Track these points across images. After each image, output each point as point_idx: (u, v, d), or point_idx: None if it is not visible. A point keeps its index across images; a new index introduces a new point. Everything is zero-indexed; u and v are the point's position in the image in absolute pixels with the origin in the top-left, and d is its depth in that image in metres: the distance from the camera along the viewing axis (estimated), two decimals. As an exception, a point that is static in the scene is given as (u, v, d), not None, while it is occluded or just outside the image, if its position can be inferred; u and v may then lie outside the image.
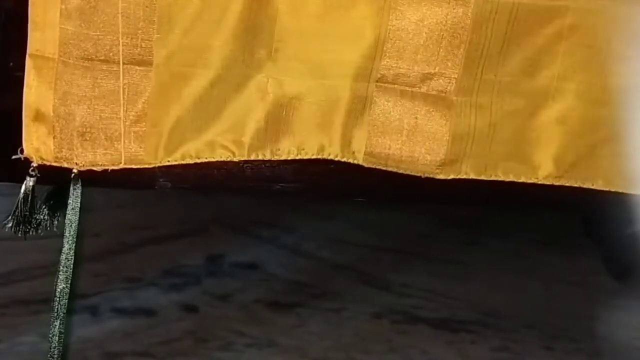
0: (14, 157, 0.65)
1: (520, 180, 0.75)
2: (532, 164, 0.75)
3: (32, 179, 0.64)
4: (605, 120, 0.77)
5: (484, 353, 1.56)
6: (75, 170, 0.63)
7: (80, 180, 0.73)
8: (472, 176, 0.74)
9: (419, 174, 0.74)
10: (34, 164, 0.64)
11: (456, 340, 1.60)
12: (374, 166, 0.74)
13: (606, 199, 0.84)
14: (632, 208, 0.85)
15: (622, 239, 1.72)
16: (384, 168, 0.74)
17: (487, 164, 0.75)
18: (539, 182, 0.76)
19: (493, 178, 0.75)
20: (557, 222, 2.20)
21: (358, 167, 0.77)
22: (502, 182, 0.78)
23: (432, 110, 0.72)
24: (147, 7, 0.64)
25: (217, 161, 0.69)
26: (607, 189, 0.78)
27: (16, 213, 0.66)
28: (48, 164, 0.64)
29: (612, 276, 1.91)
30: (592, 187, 0.78)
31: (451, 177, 0.74)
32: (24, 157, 0.65)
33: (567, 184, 0.77)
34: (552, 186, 0.79)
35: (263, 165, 0.76)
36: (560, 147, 0.76)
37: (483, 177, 0.75)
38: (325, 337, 1.57)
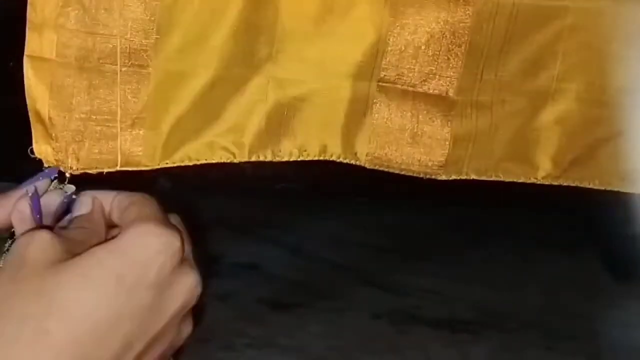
0: (32, 156, 0.64)
1: (520, 181, 0.75)
2: (531, 164, 0.75)
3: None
4: (604, 121, 0.77)
5: (484, 353, 1.56)
6: (67, 175, 0.63)
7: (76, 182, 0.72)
8: (473, 177, 0.74)
9: (420, 175, 0.74)
10: (45, 166, 0.63)
11: (456, 340, 1.60)
12: (376, 167, 0.73)
13: (606, 199, 0.84)
14: (633, 208, 0.85)
15: (622, 239, 1.72)
16: (386, 169, 0.73)
17: (488, 165, 0.74)
18: (538, 183, 0.76)
19: (494, 179, 0.75)
20: (557, 222, 2.20)
21: (359, 168, 0.77)
22: (503, 182, 0.78)
23: (434, 111, 0.72)
24: (146, 7, 0.64)
25: (218, 162, 0.69)
26: (604, 188, 0.78)
27: None
28: (50, 165, 0.64)
29: (612, 276, 1.91)
30: (590, 187, 0.78)
31: (452, 177, 0.74)
32: (37, 158, 0.65)
33: (565, 184, 0.77)
34: (552, 186, 0.79)
35: (263, 166, 0.76)
36: (558, 147, 0.76)
37: (484, 178, 0.74)
38: (325, 337, 1.57)
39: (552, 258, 2.06)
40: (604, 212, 1.57)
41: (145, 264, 0.48)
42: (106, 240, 0.54)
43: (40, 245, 0.48)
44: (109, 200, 0.60)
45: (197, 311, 0.57)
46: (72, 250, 0.49)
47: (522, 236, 2.19)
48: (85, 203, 0.59)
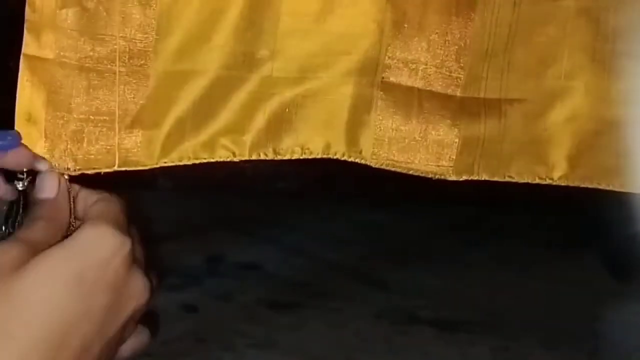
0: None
1: (535, 182, 0.73)
2: (546, 164, 0.73)
3: (20, 183, 0.60)
4: (615, 119, 0.75)
5: (484, 353, 1.56)
6: (66, 176, 0.62)
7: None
8: (485, 177, 0.72)
9: (429, 176, 0.73)
10: (25, 168, 0.61)
11: (456, 340, 1.60)
12: (382, 166, 0.72)
13: (606, 199, 0.83)
14: (633, 208, 0.85)
15: (622, 239, 1.72)
16: (393, 169, 0.72)
17: (500, 165, 0.73)
18: (554, 184, 0.73)
19: (507, 179, 0.73)
20: (557, 222, 2.20)
21: (359, 168, 0.76)
22: (503, 182, 0.77)
23: (440, 109, 0.71)
24: (146, 7, 0.64)
25: (217, 161, 0.69)
26: (626, 191, 0.75)
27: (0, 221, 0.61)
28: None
29: (612, 276, 1.91)
30: (610, 189, 0.75)
31: (463, 178, 0.73)
32: None
33: (582, 185, 0.74)
34: (552, 187, 0.78)
35: (264, 165, 0.76)
36: (572, 147, 0.74)
37: (496, 179, 0.73)
38: (325, 337, 1.57)
39: (552, 258, 2.06)
40: (604, 212, 1.57)
41: (103, 264, 0.48)
42: (67, 233, 0.53)
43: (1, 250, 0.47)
44: (75, 189, 0.59)
45: (153, 320, 0.55)
46: (34, 249, 0.48)
47: (522, 236, 2.20)
48: (50, 186, 0.57)
